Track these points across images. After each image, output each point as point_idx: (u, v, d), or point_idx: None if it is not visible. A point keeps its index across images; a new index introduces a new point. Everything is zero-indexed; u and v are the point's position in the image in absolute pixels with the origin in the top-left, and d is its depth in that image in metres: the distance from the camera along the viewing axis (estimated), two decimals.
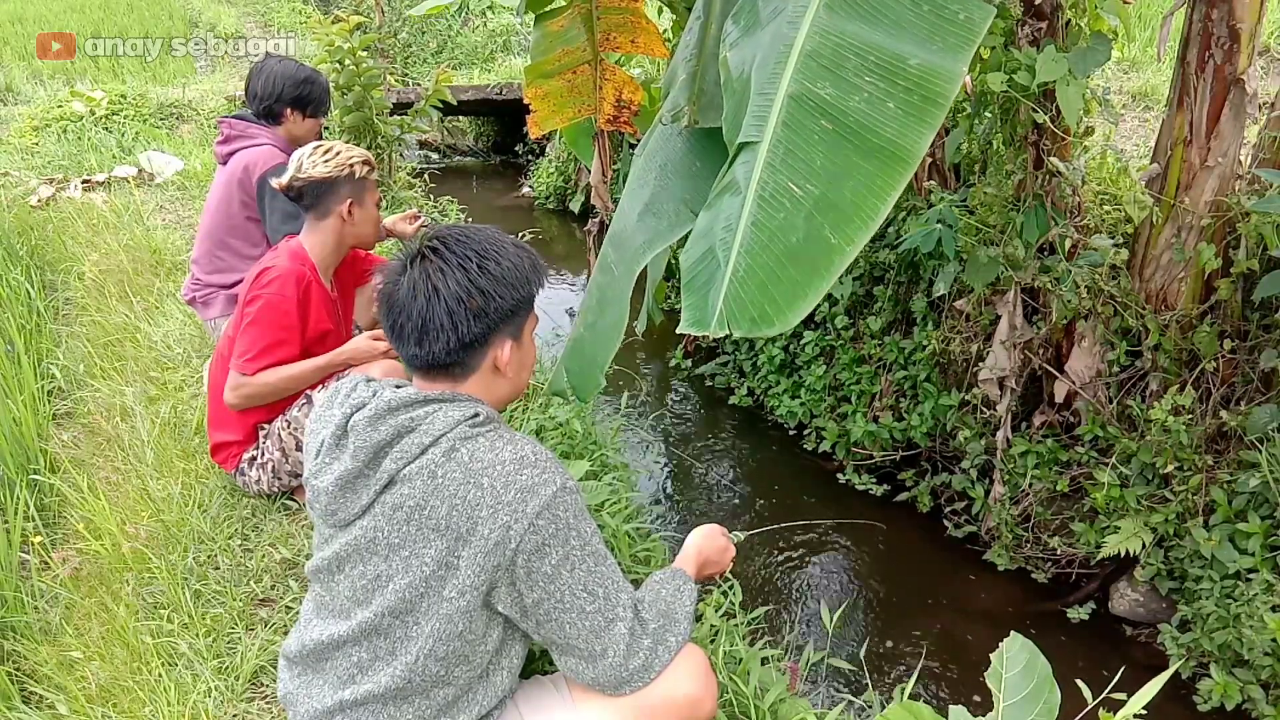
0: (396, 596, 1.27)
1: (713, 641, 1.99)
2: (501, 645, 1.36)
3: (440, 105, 5.31)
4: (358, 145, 3.44)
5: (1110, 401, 2.93)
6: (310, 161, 2.34)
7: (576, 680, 1.35)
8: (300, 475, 2.47)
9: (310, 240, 2.45)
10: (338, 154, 2.38)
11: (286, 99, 3.04)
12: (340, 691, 1.33)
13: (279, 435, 2.45)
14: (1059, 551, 3.03)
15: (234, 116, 3.09)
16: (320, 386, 2.46)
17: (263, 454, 2.48)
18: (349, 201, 2.41)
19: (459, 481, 1.25)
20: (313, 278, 2.41)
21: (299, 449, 2.44)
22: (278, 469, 2.48)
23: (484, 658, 1.33)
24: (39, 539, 2.51)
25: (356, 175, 2.40)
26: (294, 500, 2.63)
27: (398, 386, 1.38)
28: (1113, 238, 2.84)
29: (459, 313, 1.31)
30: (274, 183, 2.38)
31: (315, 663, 1.38)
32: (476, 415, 1.32)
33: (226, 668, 2.01)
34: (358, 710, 1.32)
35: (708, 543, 1.63)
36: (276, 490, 2.53)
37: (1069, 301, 2.80)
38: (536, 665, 1.73)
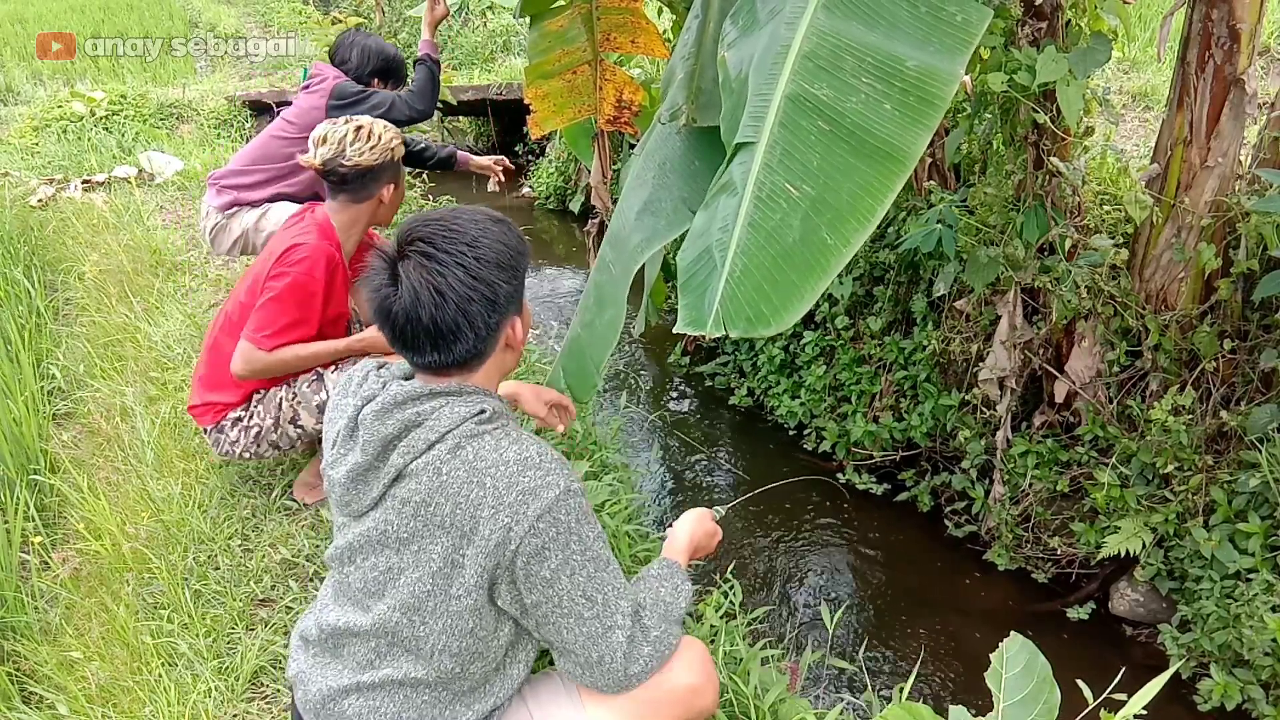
0: (408, 591, 1.28)
1: (713, 641, 1.99)
2: (516, 640, 1.37)
3: (440, 105, 5.30)
4: None
5: (1110, 401, 2.93)
6: (355, 150, 2.30)
7: (576, 683, 1.36)
8: (281, 448, 2.46)
9: (341, 219, 2.40)
10: (380, 138, 2.34)
11: (375, 70, 3.30)
12: (359, 675, 1.34)
13: (279, 404, 2.41)
14: (1059, 551, 3.03)
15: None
16: (333, 367, 2.45)
17: (250, 417, 2.43)
18: (390, 185, 2.40)
19: (463, 480, 1.25)
20: (339, 259, 2.39)
21: (294, 422, 2.41)
22: (261, 436, 2.42)
23: (498, 653, 1.34)
24: (39, 539, 2.52)
25: (395, 158, 2.38)
26: (293, 500, 2.63)
27: (406, 378, 1.38)
28: (1113, 238, 2.83)
29: (471, 310, 1.28)
30: (303, 160, 2.33)
31: (332, 647, 1.39)
32: (483, 411, 1.31)
33: (226, 668, 2.01)
34: (374, 692, 1.33)
35: (698, 528, 1.63)
36: (248, 457, 2.48)
37: (1069, 301, 2.80)
38: (544, 658, 1.73)
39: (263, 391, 2.43)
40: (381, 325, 1.32)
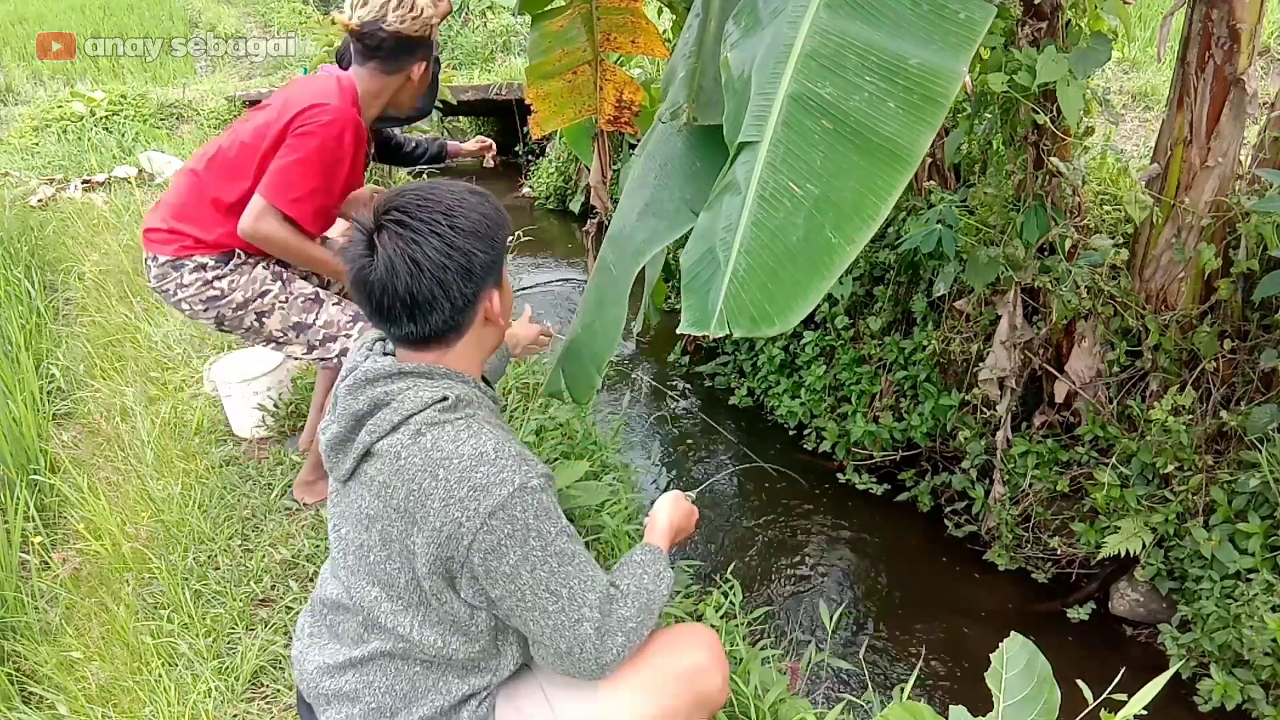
0: (379, 568, 1.30)
1: None
2: (503, 626, 1.37)
3: (440, 105, 5.30)
4: None
5: (1110, 401, 2.93)
6: (397, 16, 2.17)
7: (548, 670, 1.36)
8: (224, 327, 2.33)
9: (367, 87, 2.25)
10: (422, 10, 2.21)
11: None
12: (352, 650, 1.36)
13: (264, 292, 2.27)
14: (1059, 551, 3.03)
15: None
16: (336, 300, 2.35)
17: (220, 277, 2.24)
18: (422, 63, 2.29)
19: (418, 468, 1.25)
20: (364, 129, 2.24)
21: (261, 317, 2.29)
22: (218, 303, 2.25)
23: (480, 636, 1.34)
24: (39, 539, 2.51)
25: (431, 34, 2.27)
26: (294, 500, 2.63)
27: (385, 353, 1.39)
28: (1113, 238, 2.83)
29: (447, 279, 1.27)
30: (338, 18, 2.21)
31: (329, 625, 1.42)
32: (445, 399, 1.31)
33: (226, 668, 2.01)
34: (366, 665, 1.35)
35: (676, 511, 1.63)
36: (184, 309, 2.29)
37: (1069, 301, 2.80)
38: None
39: (248, 258, 2.26)
40: (358, 297, 1.32)
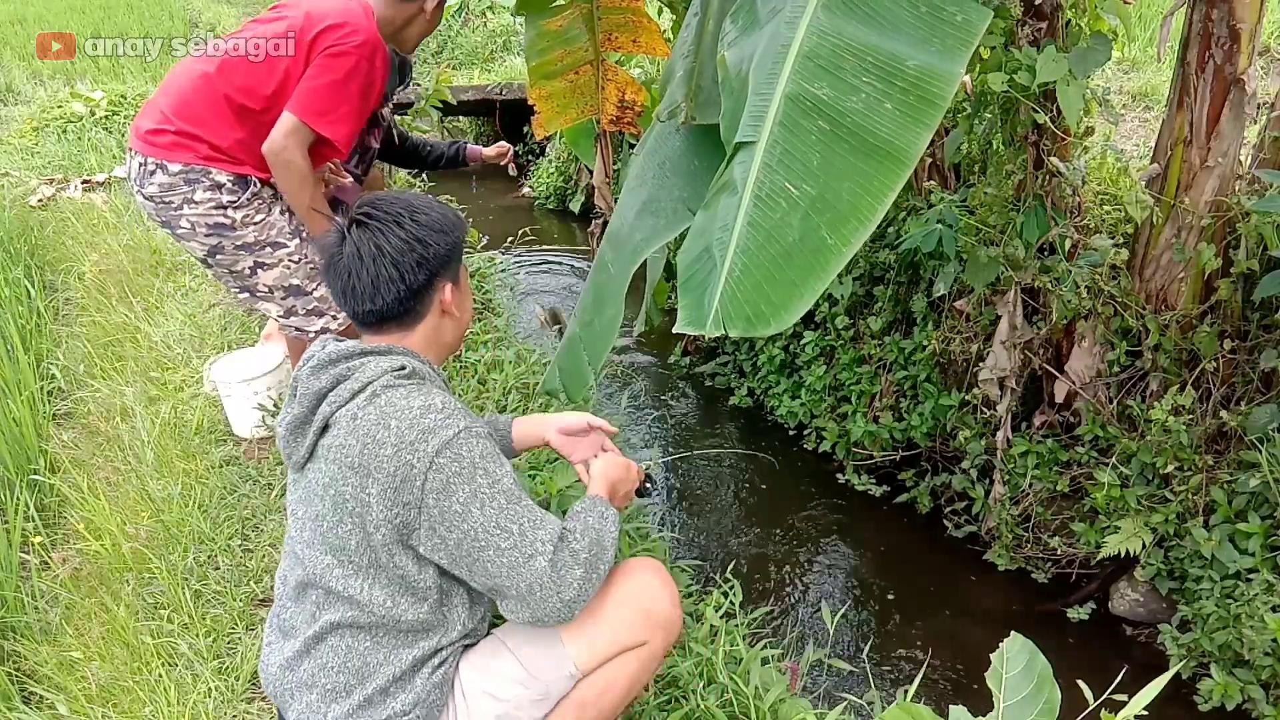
0: (331, 534, 1.35)
1: (712, 641, 1.99)
2: (449, 586, 1.41)
3: (440, 105, 5.29)
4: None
5: (1110, 401, 2.93)
6: None
7: (519, 622, 1.39)
8: (213, 256, 2.24)
9: (382, 13, 2.16)
10: None
11: None
12: (305, 632, 1.40)
13: (277, 242, 2.15)
14: (1059, 551, 3.03)
15: None
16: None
17: (236, 207, 2.07)
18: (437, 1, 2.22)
19: (373, 422, 1.33)
20: (387, 53, 2.16)
21: (258, 266, 2.21)
22: (224, 232, 2.09)
23: (429, 594, 1.38)
24: (39, 539, 2.52)
25: None
26: None
27: (339, 340, 1.49)
28: (1113, 238, 2.83)
29: (404, 263, 1.41)
30: None
31: (281, 626, 1.47)
32: (403, 368, 1.41)
33: (226, 668, 2.02)
34: (319, 646, 1.39)
35: (610, 467, 1.66)
36: (179, 232, 2.09)
37: (1069, 301, 2.79)
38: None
39: (262, 188, 2.12)
40: (329, 279, 1.44)
